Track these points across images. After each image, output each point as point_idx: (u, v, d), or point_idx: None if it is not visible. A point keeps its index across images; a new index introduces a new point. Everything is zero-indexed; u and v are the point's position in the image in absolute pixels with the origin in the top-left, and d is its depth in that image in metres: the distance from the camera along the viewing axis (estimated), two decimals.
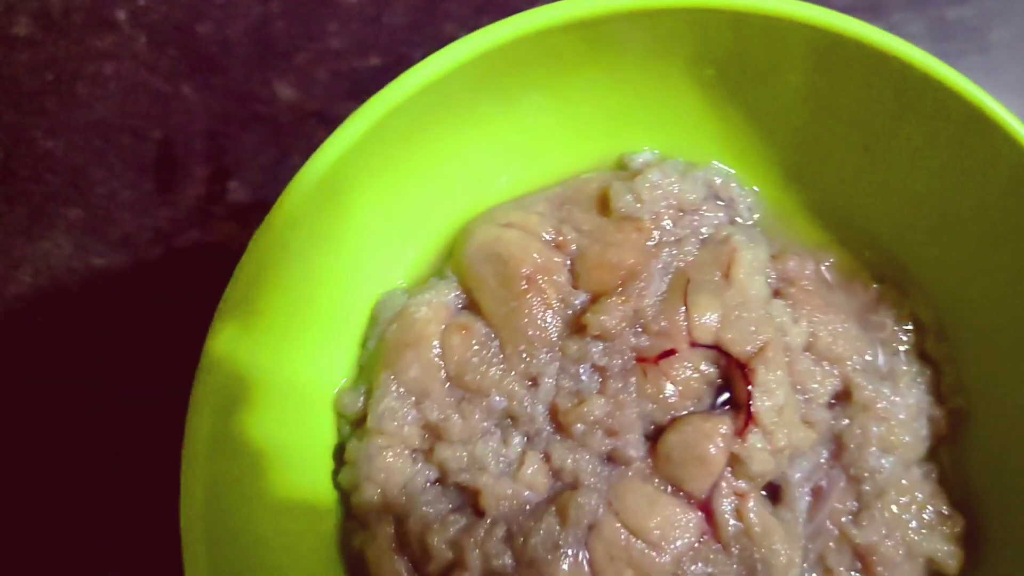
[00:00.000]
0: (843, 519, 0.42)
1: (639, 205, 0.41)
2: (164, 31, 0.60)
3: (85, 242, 0.53)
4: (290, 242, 0.36)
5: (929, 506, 0.42)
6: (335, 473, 0.41)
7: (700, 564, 0.38)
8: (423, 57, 0.43)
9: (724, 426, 0.39)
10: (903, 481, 0.42)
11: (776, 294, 0.42)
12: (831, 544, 0.42)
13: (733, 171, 0.44)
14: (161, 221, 0.54)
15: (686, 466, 0.39)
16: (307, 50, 0.60)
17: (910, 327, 0.43)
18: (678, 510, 0.39)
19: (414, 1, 0.61)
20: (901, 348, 0.43)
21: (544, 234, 0.42)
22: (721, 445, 0.38)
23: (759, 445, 0.38)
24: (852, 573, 0.42)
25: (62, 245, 0.53)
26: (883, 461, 0.41)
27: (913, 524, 0.42)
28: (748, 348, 0.39)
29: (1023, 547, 0.41)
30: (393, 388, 0.40)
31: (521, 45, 0.37)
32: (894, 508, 0.42)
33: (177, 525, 0.35)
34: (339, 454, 0.41)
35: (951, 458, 0.43)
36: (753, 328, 0.39)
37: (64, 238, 0.53)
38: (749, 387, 0.39)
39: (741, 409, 0.39)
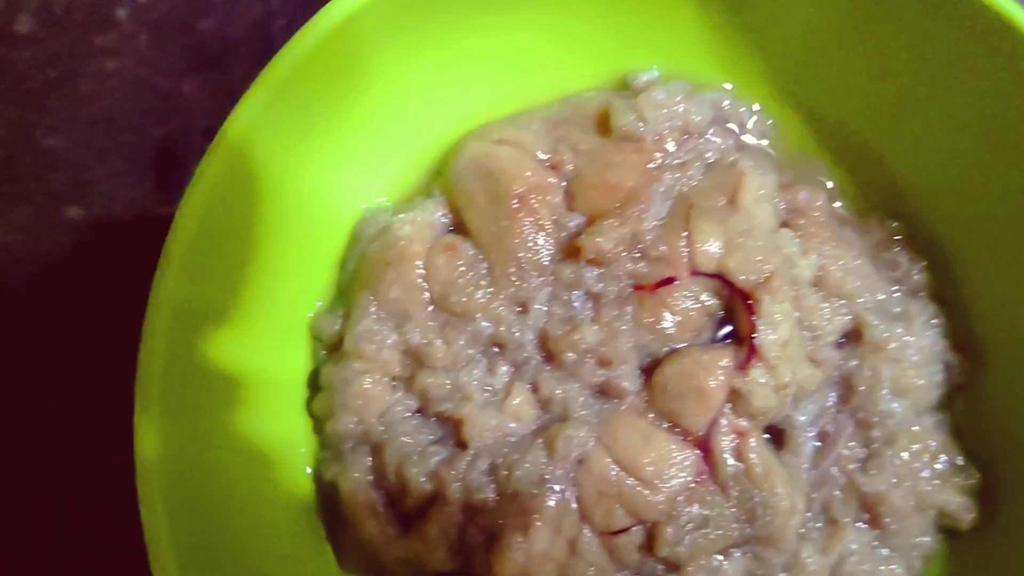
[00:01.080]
0: (850, 466, 0.39)
1: (641, 125, 0.39)
2: (165, 29, 0.59)
3: (85, 240, 0.52)
4: (251, 157, 0.34)
5: (942, 456, 0.40)
6: (309, 401, 0.38)
7: (696, 505, 0.36)
8: None
9: (725, 359, 0.36)
10: (915, 428, 0.39)
11: (784, 225, 0.39)
12: (837, 492, 0.39)
13: (743, 95, 0.41)
14: (162, 219, 0.52)
15: (683, 399, 0.36)
16: None
17: (925, 267, 0.40)
18: (674, 447, 0.36)
19: None
20: (916, 288, 0.40)
21: (539, 152, 0.39)
22: (721, 378, 0.36)
23: (762, 380, 0.36)
24: (859, 524, 0.39)
25: (63, 243, 0.52)
26: (894, 405, 0.39)
27: (925, 474, 0.39)
28: (752, 277, 0.36)
29: None
30: (373, 310, 0.37)
31: None
32: (905, 456, 0.39)
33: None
34: (314, 381, 0.38)
35: (966, 408, 0.41)
36: (759, 257, 0.37)
37: (65, 236, 0.52)
38: (752, 318, 0.36)
39: (743, 342, 0.36)
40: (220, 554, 0.33)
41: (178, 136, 0.54)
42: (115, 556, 0.46)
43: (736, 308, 0.37)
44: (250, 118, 0.34)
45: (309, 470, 0.39)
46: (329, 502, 0.38)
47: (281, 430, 0.38)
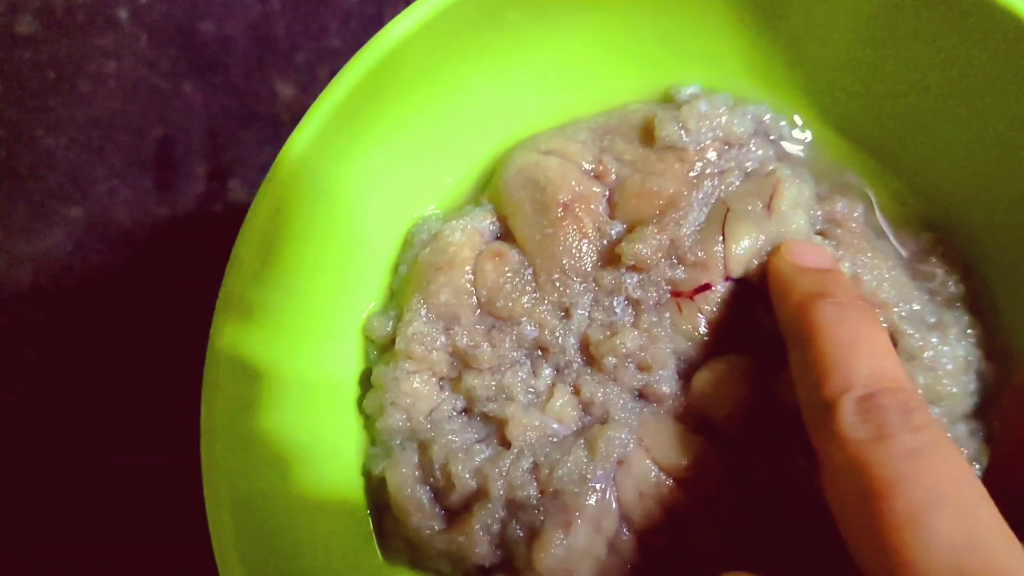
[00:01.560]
0: None
1: (684, 135, 0.40)
2: (165, 30, 0.60)
3: (85, 240, 0.53)
4: (311, 171, 0.35)
5: (976, 464, 0.40)
6: (360, 399, 0.40)
7: (733, 508, 0.37)
8: None
9: (757, 366, 0.37)
10: (948, 436, 0.40)
11: (820, 234, 0.40)
12: None
13: (782, 110, 0.42)
14: (161, 219, 0.54)
15: (720, 407, 0.37)
16: (307, 49, 0.60)
17: (960, 278, 0.41)
18: (712, 452, 0.37)
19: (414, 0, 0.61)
20: (951, 299, 0.41)
21: (584, 163, 0.40)
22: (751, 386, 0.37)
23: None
24: None
25: (62, 243, 0.53)
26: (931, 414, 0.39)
27: None
28: None
29: None
30: (423, 312, 0.39)
31: None
32: None
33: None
34: (365, 380, 0.40)
35: (1003, 413, 0.41)
36: None
37: (64, 236, 0.53)
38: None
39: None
40: (279, 546, 0.35)
41: (177, 137, 0.55)
42: (112, 556, 0.48)
43: (762, 312, 0.38)
44: (310, 136, 0.35)
45: (359, 466, 0.40)
46: (377, 496, 0.39)
47: (333, 426, 0.39)
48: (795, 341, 0.34)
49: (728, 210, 0.39)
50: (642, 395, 0.38)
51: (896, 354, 0.33)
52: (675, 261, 0.39)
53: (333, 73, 0.51)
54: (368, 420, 0.40)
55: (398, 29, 0.35)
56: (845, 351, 0.32)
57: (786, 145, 0.42)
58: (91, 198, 0.54)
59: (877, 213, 0.43)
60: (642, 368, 0.38)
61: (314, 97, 0.37)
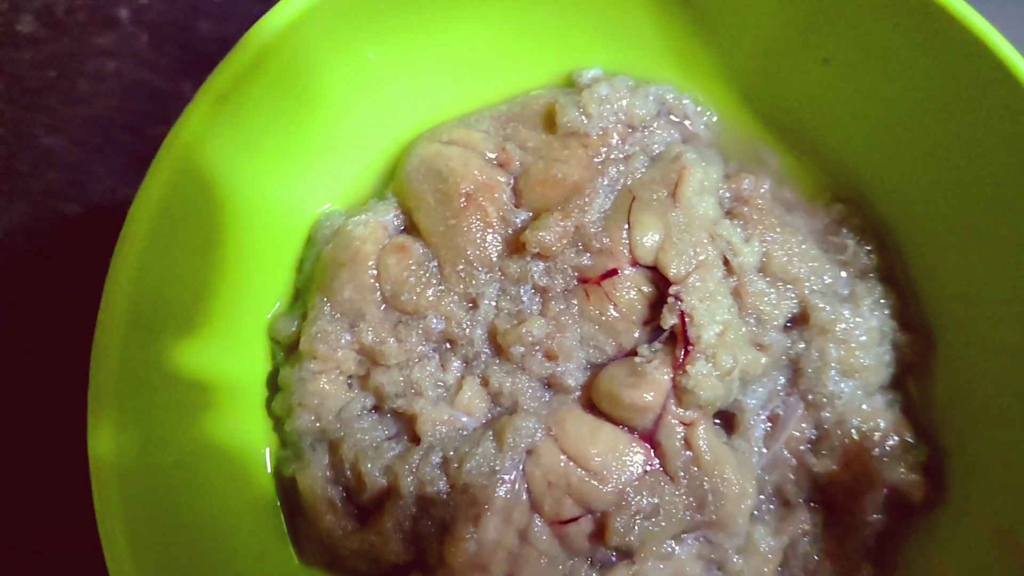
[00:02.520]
0: (801, 447, 0.40)
1: (586, 120, 0.40)
2: (164, 29, 0.60)
3: (83, 236, 0.53)
4: (201, 164, 0.35)
5: (893, 435, 0.40)
6: (269, 401, 0.39)
7: (645, 495, 0.37)
8: None
9: (660, 370, 0.37)
10: (864, 408, 0.40)
11: (729, 213, 0.40)
12: (789, 475, 0.40)
13: (688, 88, 0.41)
14: None
15: (623, 410, 0.37)
16: None
17: (873, 249, 0.41)
18: (622, 439, 0.37)
19: None
20: (864, 270, 0.41)
21: (487, 151, 0.40)
22: (652, 395, 0.36)
23: (704, 372, 0.36)
24: (812, 505, 0.40)
25: (60, 240, 0.53)
26: (843, 386, 0.40)
27: (875, 452, 0.40)
28: (684, 269, 0.37)
29: (990, 479, 0.39)
30: (327, 310, 0.38)
31: None
32: (855, 436, 0.39)
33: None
34: (273, 382, 0.39)
35: (918, 388, 0.41)
36: (692, 249, 0.37)
37: (62, 232, 0.53)
38: (681, 310, 0.36)
39: (679, 337, 0.37)
40: (180, 553, 0.34)
41: None
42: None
43: (669, 299, 0.37)
44: (196, 127, 0.35)
45: (270, 468, 0.39)
46: (289, 498, 0.39)
47: (241, 429, 0.39)
48: None
49: (634, 198, 0.39)
50: (550, 384, 0.38)
51: None
52: (581, 248, 0.38)
53: None
54: (277, 422, 0.39)
55: (285, 13, 0.35)
56: None
57: (692, 124, 0.42)
58: (89, 196, 0.54)
59: (788, 187, 0.42)
60: (549, 356, 0.37)
61: None
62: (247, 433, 0.39)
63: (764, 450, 0.40)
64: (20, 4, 0.60)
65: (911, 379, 0.42)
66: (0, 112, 0.60)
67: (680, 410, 0.37)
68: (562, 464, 0.36)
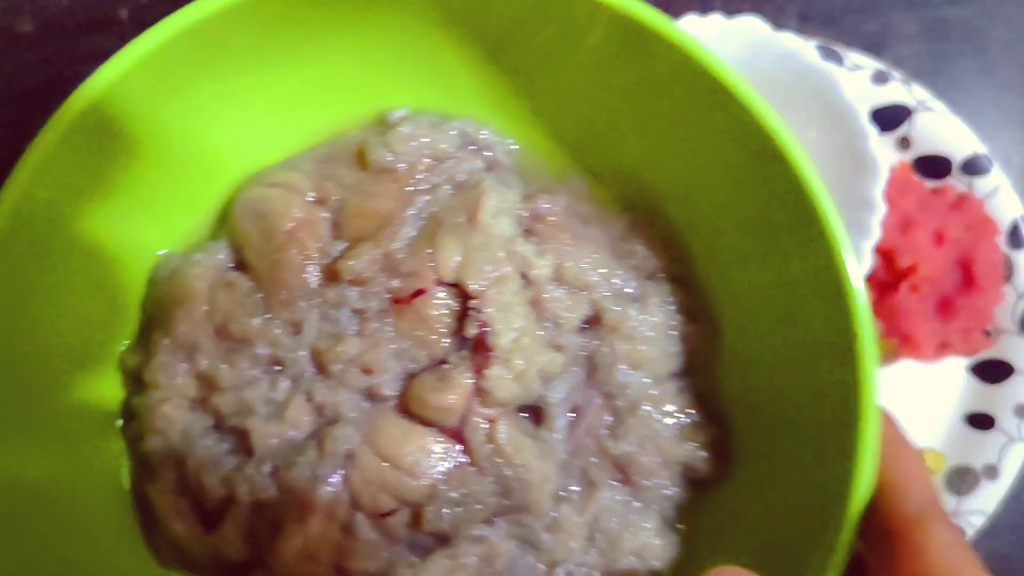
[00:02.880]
0: (601, 432, 0.45)
1: (392, 156, 0.44)
2: None
3: None
4: (40, 214, 0.39)
5: (683, 417, 0.45)
6: (123, 426, 0.44)
7: (455, 486, 0.42)
8: None
9: (462, 376, 0.42)
10: (654, 393, 0.45)
11: (528, 231, 0.45)
12: (592, 459, 0.45)
13: (489, 120, 0.47)
14: None
15: (432, 412, 0.42)
16: None
17: (661, 252, 0.46)
18: (431, 439, 0.42)
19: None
20: (651, 272, 0.46)
21: (307, 191, 0.45)
22: (455, 397, 0.42)
23: (500, 375, 0.42)
24: (613, 483, 0.45)
25: None
26: (632, 377, 0.45)
27: (667, 434, 0.45)
28: (482, 284, 0.42)
29: (765, 452, 0.44)
30: (166, 344, 0.43)
31: (263, 9, 0.40)
32: (647, 420, 0.45)
33: None
34: (127, 409, 0.45)
35: (704, 374, 0.46)
36: (490, 269, 0.42)
37: None
38: (481, 321, 0.42)
39: (479, 345, 0.42)
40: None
41: None
42: None
43: (471, 312, 0.43)
44: (27, 181, 0.39)
45: (128, 486, 0.45)
46: (145, 510, 0.44)
47: (101, 452, 0.44)
48: None
49: (438, 224, 0.44)
50: (369, 395, 0.43)
51: None
52: (392, 271, 0.43)
53: None
54: (131, 443, 0.44)
55: (110, 73, 0.39)
56: None
57: (494, 153, 0.47)
58: None
59: (584, 202, 0.48)
60: (366, 370, 0.42)
61: None
62: (106, 457, 0.44)
63: (568, 438, 0.45)
64: (18, 5, 0.61)
65: (699, 366, 0.47)
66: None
67: (483, 409, 0.43)
68: (377, 465, 0.42)
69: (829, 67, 0.56)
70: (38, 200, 0.38)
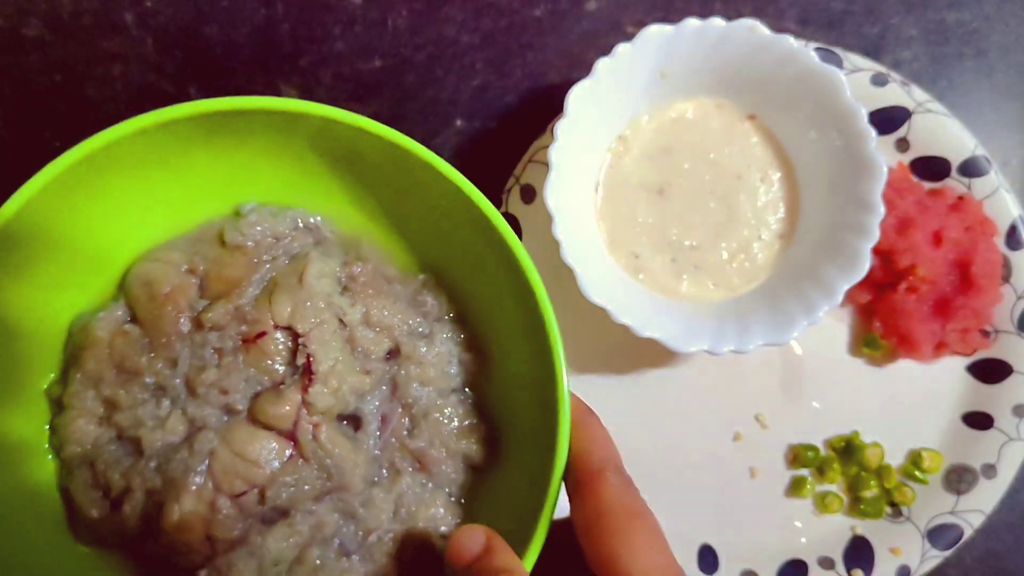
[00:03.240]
0: (403, 433, 0.62)
1: (242, 238, 0.62)
2: (171, 33, 0.61)
3: None
4: None
5: (463, 420, 0.63)
6: (50, 439, 0.61)
7: (290, 472, 0.58)
8: (425, 59, 0.58)
9: (291, 392, 0.59)
10: (439, 403, 0.62)
11: (345, 289, 0.63)
12: (396, 453, 0.62)
13: (319, 209, 0.64)
14: None
15: (271, 419, 0.59)
16: (311, 53, 0.62)
17: (444, 302, 0.64)
18: (271, 439, 0.59)
19: (416, 5, 0.65)
20: (438, 316, 0.64)
21: (181, 263, 0.62)
22: (288, 408, 0.58)
23: (320, 391, 0.59)
24: (412, 471, 0.62)
25: None
26: (423, 392, 0.62)
27: (450, 433, 0.62)
28: (307, 327, 0.59)
29: (519, 445, 0.61)
30: (79, 377, 0.60)
31: (148, 138, 0.55)
32: (436, 423, 0.62)
33: None
34: (52, 426, 0.61)
35: (478, 389, 0.64)
36: (313, 316, 0.59)
37: None
38: (308, 355, 0.59)
39: (305, 370, 0.59)
40: None
41: None
42: None
43: (300, 347, 0.60)
44: None
45: (55, 483, 0.61)
46: (67, 502, 0.61)
47: (30, 460, 0.61)
48: None
49: (275, 285, 0.61)
50: (227, 409, 0.60)
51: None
52: (240, 321, 0.61)
53: (336, 76, 0.62)
54: (56, 451, 0.61)
55: (35, 185, 0.52)
56: None
57: (321, 232, 0.64)
58: None
59: (390, 266, 0.65)
60: (223, 392, 0.59)
61: (317, 100, 0.42)
62: (37, 461, 0.61)
63: (378, 438, 0.63)
64: (26, 8, 0.60)
65: (478, 382, 0.65)
66: (6, 116, 0.60)
67: (310, 416, 0.59)
68: (232, 459, 0.59)
69: (831, 69, 0.57)
70: None
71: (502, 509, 0.59)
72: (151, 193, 0.61)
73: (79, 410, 0.59)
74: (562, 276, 0.61)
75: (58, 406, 0.60)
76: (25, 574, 0.54)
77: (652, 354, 0.67)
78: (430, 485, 0.61)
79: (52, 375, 0.61)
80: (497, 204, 0.61)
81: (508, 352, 0.60)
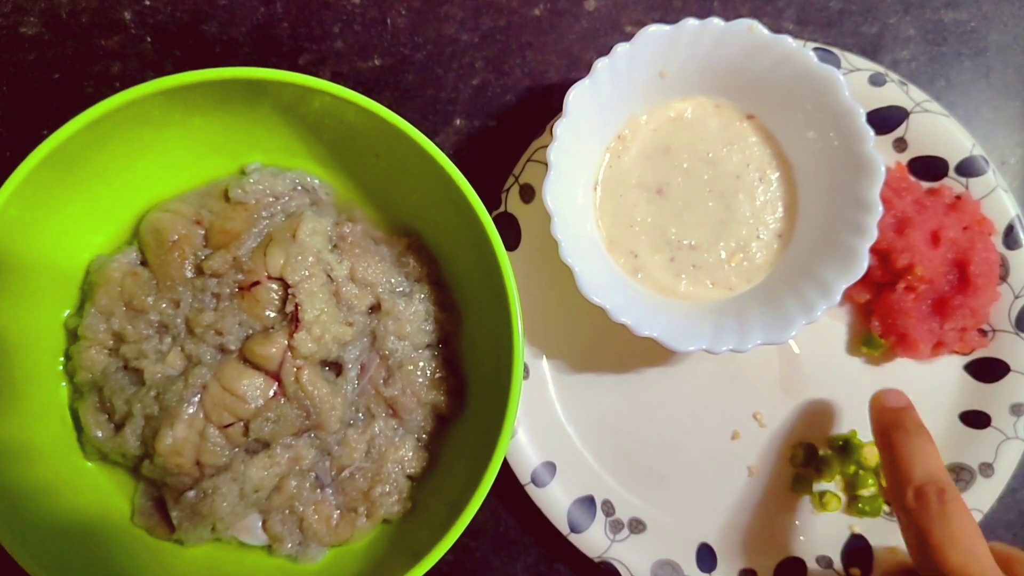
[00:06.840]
0: (379, 381, 0.68)
1: (244, 195, 0.68)
2: (169, 31, 0.60)
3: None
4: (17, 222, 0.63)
5: (434, 373, 0.69)
6: (64, 364, 0.69)
7: (272, 408, 0.65)
8: (424, 58, 0.58)
9: (279, 336, 0.65)
10: (414, 356, 0.68)
11: (335, 247, 0.69)
12: (372, 399, 0.68)
13: (315, 172, 0.71)
14: None
15: (259, 359, 0.65)
16: (310, 51, 0.63)
17: (424, 264, 0.70)
18: (258, 377, 0.65)
19: (415, 3, 0.64)
20: (418, 277, 0.70)
21: (189, 215, 0.69)
22: (275, 350, 0.64)
23: (304, 338, 0.65)
24: (385, 416, 0.69)
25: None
26: (399, 345, 0.68)
27: (421, 384, 0.68)
28: (297, 279, 0.66)
29: (482, 397, 0.67)
30: (93, 311, 0.67)
31: (167, 99, 0.60)
32: (409, 374, 0.68)
33: None
34: (67, 354, 0.69)
35: (449, 345, 0.70)
36: (303, 270, 0.66)
37: None
38: (296, 304, 0.66)
39: (293, 317, 0.66)
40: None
41: None
42: None
43: (290, 297, 0.66)
44: (4, 199, 0.61)
45: (67, 406, 0.69)
46: (76, 422, 0.68)
47: (47, 381, 0.68)
48: (884, 452, 0.56)
49: (271, 239, 0.68)
50: (221, 349, 0.67)
51: (939, 456, 0.54)
52: (238, 269, 0.67)
53: (335, 75, 0.63)
54: (69, 377, 0.68)
55: (87, 118, 0.57)
56: (909, 461, 0.54)
57: (317, 194, 0.71)
58: None
59: (376, 229, 0.71)
60: (218, 333, 0.66)
61: None
62: (52, 384, 0.68)
63: (356, 384, 0.69)
64: (24, 6, 0.59)
65: (450, 338, 0.71)
66: (5, 114, 0.60)
67: (294, 360, 0.66)
68: (221, 393, 0.65)
69: (829, 68, 0.56)
70: (9, 217, 0.62)
71: (461, 453, 0.65)
72: (168, 150, 0.67)
73: (91, 340, 0.65)
74: (561, 275, 0.61)
75: (73, 336, 0.67)
76: (42, 485, 0.62)
77: (651, 353, 0.68)
78: (401, 430, 0.67)
79: (69, 309, 0.67)
80: (497, 203, 0.67)
81: (476, 314, 0.66)
